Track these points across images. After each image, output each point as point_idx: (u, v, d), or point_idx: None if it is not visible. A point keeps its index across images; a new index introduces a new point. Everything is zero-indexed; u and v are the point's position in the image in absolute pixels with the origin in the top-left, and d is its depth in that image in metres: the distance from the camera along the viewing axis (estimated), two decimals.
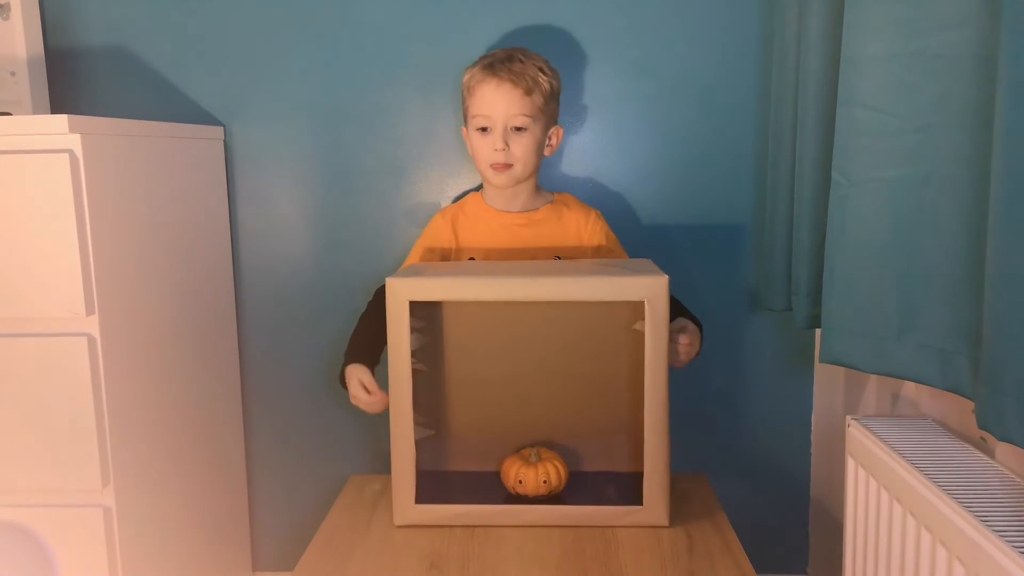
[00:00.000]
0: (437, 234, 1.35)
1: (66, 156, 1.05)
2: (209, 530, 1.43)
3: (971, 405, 0.94)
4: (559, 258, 1.33)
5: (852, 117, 1.02)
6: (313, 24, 1.48)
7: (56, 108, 1.48)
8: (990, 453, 0.99)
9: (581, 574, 0.98)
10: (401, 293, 1.05)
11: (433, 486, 1.13)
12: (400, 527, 1.10)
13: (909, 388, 1.24)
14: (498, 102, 1.25)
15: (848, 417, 1.12)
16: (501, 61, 1.27)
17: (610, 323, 1.14)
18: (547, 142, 1.32)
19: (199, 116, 1.50)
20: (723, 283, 1.51)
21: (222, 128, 1.51)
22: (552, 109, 1.32)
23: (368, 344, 1.24)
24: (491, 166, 1.28)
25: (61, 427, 1.10)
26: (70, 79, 1.51)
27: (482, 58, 1.30)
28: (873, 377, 1.31)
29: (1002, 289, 0.78)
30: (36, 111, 1.42)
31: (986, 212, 0.81)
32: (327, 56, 1.49)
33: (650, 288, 1.02)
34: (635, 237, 1.50)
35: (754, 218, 1.49)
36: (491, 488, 1.15)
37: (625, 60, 1.47)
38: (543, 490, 1.11)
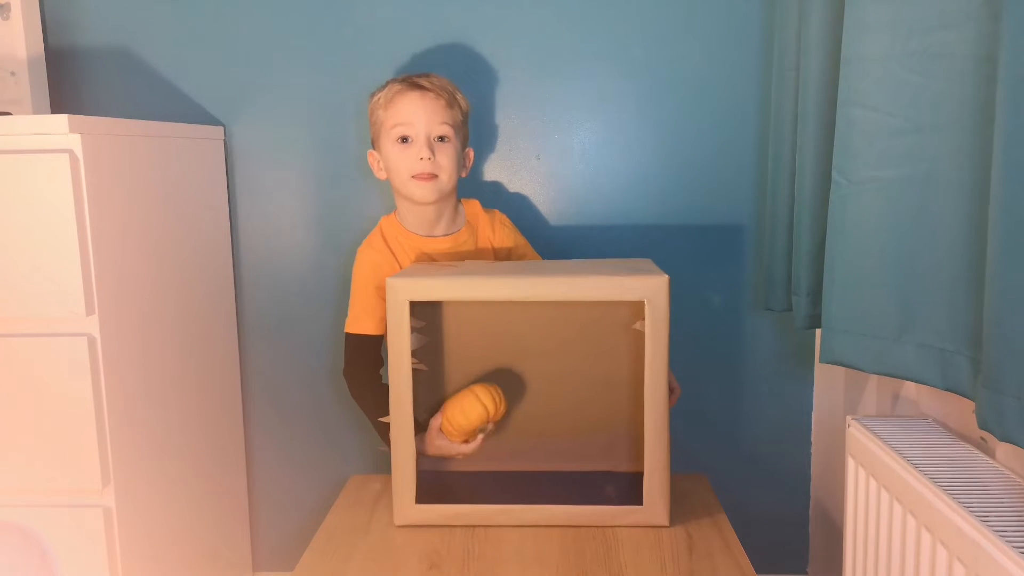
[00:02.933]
0: (381, 268, 1.28)
1: (66, 156, 1.05)
2: (209, 530, 1.43)
3: (971, 405, 0.94)
4: None
5: (852, 117, 1.02)
6: (313, 24, 1.48)
7: (56, 108, 1.48)
8: (990, 453, 0.99)
9: (581, 574, 0.98)
10: (401, 293, 1.05)
11: (433, 486, 1.13)
12: (400, 527, 1.10)
13: (909, 388, 1.24)
14: (420, 111, 1.24)
15: (848, 417, 1.12)
16: (418, 76, 1.27)
17: (610, 323, 1.14)
18: (462, 162, 1.31)
19: (199, 116, 1.50)
20: (723, 283, 1.51)
21: (222, 128, 1.51)
22: (466, 130, 1.32)
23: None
24: (415, 177, 1.24)
25: (61, 427, 1.10)
26: (70, 79, 1.51)
27: (392, 79, 1.30)
28: (873, 377, 1.31)
29: (1002, 289, 0.78)
30: (36, 111, 1.42)
31: (986, 212, 0.81)
32: (327, 56, 1.49)
33: (650, 288, 1.02)
34: (635, 237, 1.50)
35: (754, 218, 1.49)
36: (491, 488, 1.15)
37: (625, 59, 1.47)
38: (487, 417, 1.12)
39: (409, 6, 1.47)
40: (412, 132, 1.24)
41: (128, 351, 1.18)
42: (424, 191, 1.25)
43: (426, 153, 1.23)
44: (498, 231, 1.36)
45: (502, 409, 1.12)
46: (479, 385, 1.12)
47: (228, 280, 1.52)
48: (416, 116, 1.24)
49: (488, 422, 1.12)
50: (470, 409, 1.10)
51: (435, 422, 1.14)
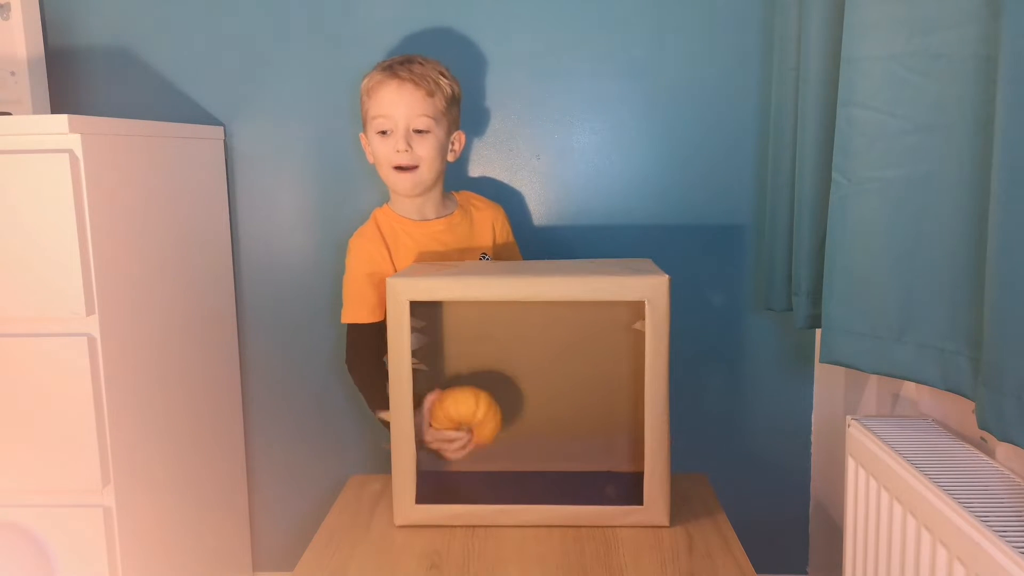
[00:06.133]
0: (372, 257, 1.29)
1: (66, 156, 1.05)
2: (209, 530, 1.43)
3: (971, 405, 0.94)
4: (486, 256, 1.33)
5: (852, 117, 1.02)
6: (313, 24, 1.48)
7: (56, 108, 1.48)
8: (990, 453, 0.99)
9: (581, 574, 0.98)
10: (402, 293, 1.05)
11: (433, 486, 1.13)
12: (400, 527, 1.10)
13: (909, 388, 1.24)
14: (399, 103, 1.23)
15: (848, 417, 1.12)
16: (401, 63, 1.25)
17: (610, 323, 1.14)
18: (450, 147, 1.30)
19: (199, 116, 1.50)
20: (723, 283, 1.51)
21: (222, 128, 1.51)
22: (454, 114, 1.30)
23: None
24: (395, 168, 1.25)
25: (61, 427, 1.10)
26: (70, 79, 1.51)
27: (380, 63, 1.28)
28: (873, 377, 1.31)
29: (1002, 289, 0.78)
30: (36, 111, 1.42)
31: (986, 212, 0.81)
32: (327, 56, 1.49)
33: (650, 288, 1.02)
34: (635, 237, 1.50)
35: (754, 218, 1.49)
36: (491, 488, 1.15)
37: (625, 59, 1.47)
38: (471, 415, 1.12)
39: (409, 6, 1.47)
40: (390, 125, 1.24)
41: (128, 351, 1.18)
42: (403, 183, 1.26)
43: (403, 146, 1.23)
44: (502, 222, 1.37)
45: (487, 421, 1.12)
46: (483, 391, 1.13)
47: (228, 280, 1.52)
48: (394, 109, 1.23)
49: (468, 423, 1.12)
50: (462, 401, 1.11)
51: (426, 402, 1.13)
